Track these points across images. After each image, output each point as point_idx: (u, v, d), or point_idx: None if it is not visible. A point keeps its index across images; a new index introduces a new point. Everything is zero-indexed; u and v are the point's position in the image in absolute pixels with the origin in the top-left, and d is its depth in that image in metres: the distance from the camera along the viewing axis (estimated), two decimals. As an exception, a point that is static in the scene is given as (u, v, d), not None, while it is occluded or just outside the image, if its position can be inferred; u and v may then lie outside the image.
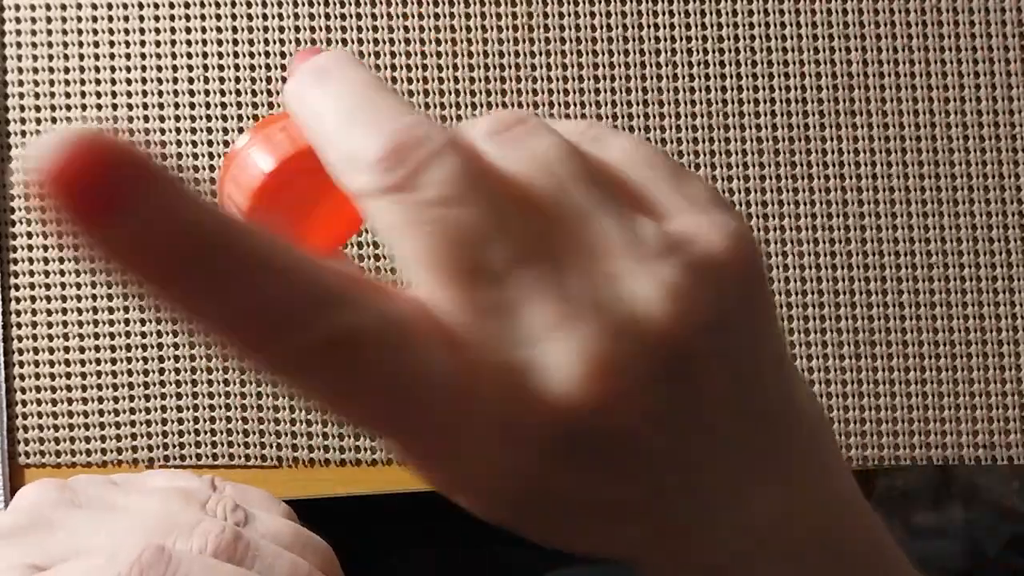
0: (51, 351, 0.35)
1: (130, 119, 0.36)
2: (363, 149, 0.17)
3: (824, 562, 0.22)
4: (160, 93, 0.36)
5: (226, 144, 0.36)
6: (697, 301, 0.18)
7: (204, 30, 0.36)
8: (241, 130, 0.36)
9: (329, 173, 0.17)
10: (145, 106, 0.36)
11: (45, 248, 0.35)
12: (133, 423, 0.35)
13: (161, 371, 0.35)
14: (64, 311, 0.35)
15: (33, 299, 0.35)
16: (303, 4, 0.36)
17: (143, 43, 0.36)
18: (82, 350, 0.35)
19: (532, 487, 0.18)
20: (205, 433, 0.35)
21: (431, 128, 0.17)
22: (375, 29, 0.36)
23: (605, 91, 0.36)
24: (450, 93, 0.36)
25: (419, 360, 0.16)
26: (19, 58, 0.36)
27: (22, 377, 0.35)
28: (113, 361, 0.35)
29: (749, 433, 0.21)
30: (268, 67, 0.36)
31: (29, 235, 0.35)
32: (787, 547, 0.21)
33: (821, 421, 0.23)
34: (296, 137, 0.19)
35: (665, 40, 0.36)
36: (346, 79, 0.18)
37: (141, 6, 0.36)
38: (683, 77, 0.36)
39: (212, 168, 0.35)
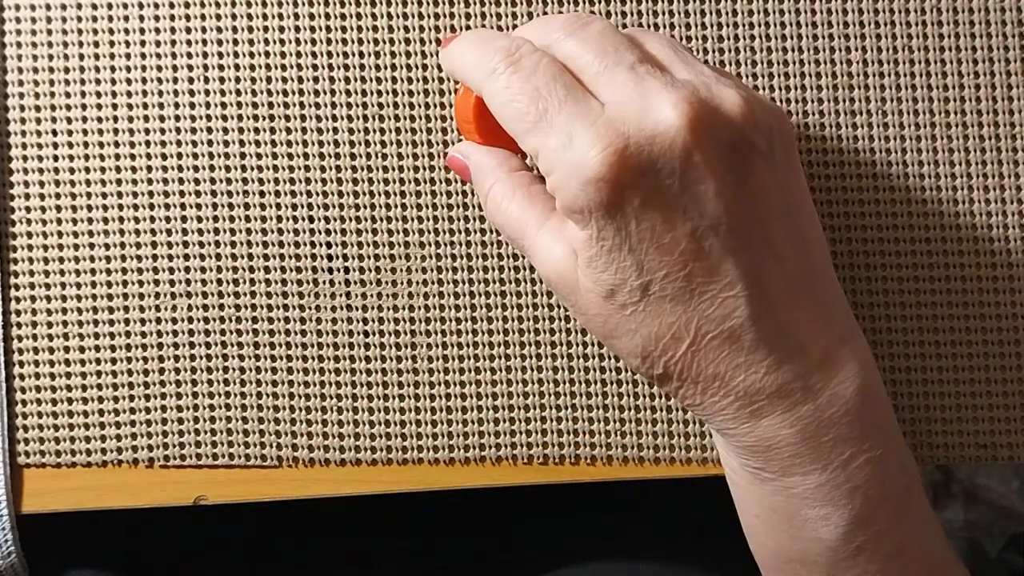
0: (51, 351, 0.35)
1: (130, 119, 0.36)
2: (487, 59, 0.28)
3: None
4: (160, 93, 0.36)
5: (226, 144, 0.36)
6: (757, 111, 0.27)
7: (204, 30, 0.36)
8: (242, 130, 0.36)
9: (471, 87, 0.29)
10: (145, 106, 0.36)
11: (45, 248, 0.35)
12: (133, 423, 0.35)
13: (161, 371, 0.35)
14: (64, 311, 0.35)
15: (33, 299, 0.35)
16: (303, 4, 0.36)
17: (143, 43, 0.36)
18: (82, 350, 0.35)
19: (616, 193, 0.26)
20: (205, 433, 0.35)
21: (519, 40, 0.28)
22: (375, 29, 0.36)
23: (605, 91, 0.36)
24: (450, 93, 0.36)
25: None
26: (19, 58, 0.36)
27: (22, 377, 0.35)
28: (113, 361, 0.35)
29: (795, 260, 0.28)
30: (268, 67, 0.36)
31: (29, 235, 0.35)
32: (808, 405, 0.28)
33: (857, 331, 0.30)
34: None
35: (665, 40, 0.36)
36: (469, 34, 0.30)
37: (141, 6, 0.36)
38: (683, 77, 0.36)
39: (212, 168, 0.35)
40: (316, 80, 0.36)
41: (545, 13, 0.36)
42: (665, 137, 0.26)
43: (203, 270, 0.35)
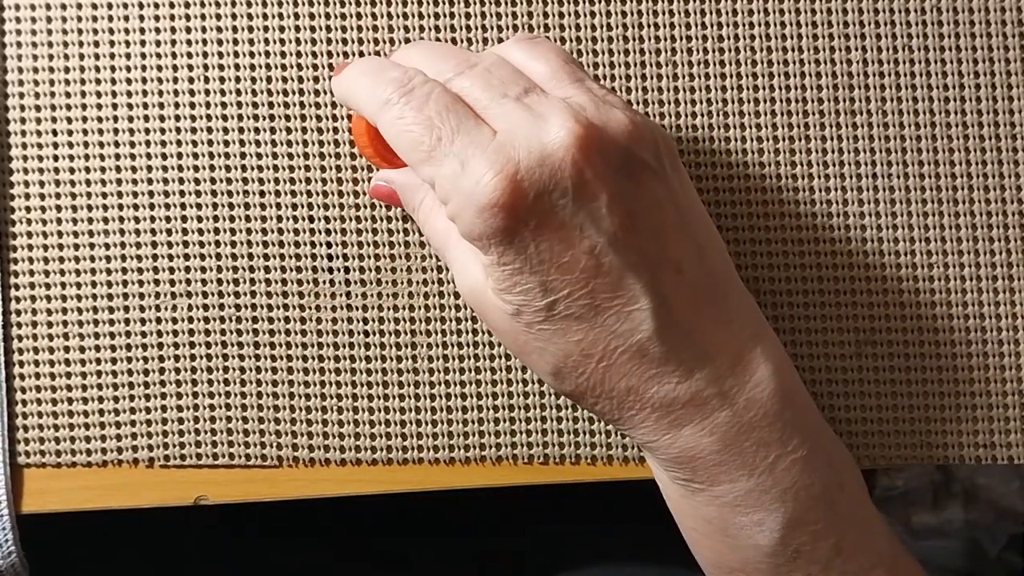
0: (51, 351, 0.35)
1: (130, 119, 0.36)
2: (380, 89, 0.29)
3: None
4: (160, 93, 0.36)
5: (226, 144, 0.36)
6: (643, 128, 0.28)
7: (204, 30, 0.36)
8: (242, 130, 0.36)
9: (365, 116, 0.30)
10: (145, 106, 0.36)
11: (45, 248, 0.35)
12: (133, 423, 0.35)
13: (161, 371, 0.35)
14: (64, 311, 0.35)
15: (33, 299, 0.35)
16: (303, 4, 0.36)
17: (143, 43, 0.36)
18: (82, 350, 0.35)
19: (515, 222, 0.26)
20: (205, 433, 0.35)
21: (411, 71, 0.29)
22: (375, 29, 0.36)
23: (605, 91, 0.36)
24: (450, 93, 0.36)
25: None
26: (19, 58, 0.36)
27: (22, 377, 0.35)
28: (113, 361, 0.35)
29: (694, 270, 0.28)
30: (268, 67, 0.36)
31: (29, 235, 0.35)
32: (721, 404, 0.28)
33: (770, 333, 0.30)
34: None
35: (665, 40, 0.36)
36: (361, 62, 0.31)
37: (141, 6, 0.36)
38: (683, 77, 0.36)
39: (212, 168, 0.35)
40: (316, 80, 0.36)
41: (545, 13, 0.36)
42: (555, 157, 0.26)
43: (203, 270, 0.35)
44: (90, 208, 0.35)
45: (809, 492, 0.28)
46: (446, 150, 0.27)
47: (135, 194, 0.35)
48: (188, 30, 0.36)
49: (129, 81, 0.36)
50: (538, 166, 0.26)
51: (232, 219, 0.35)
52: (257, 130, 0.36)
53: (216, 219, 0.36)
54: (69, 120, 0.36)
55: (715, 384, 0.28)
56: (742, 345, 0.29)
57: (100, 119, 0.36)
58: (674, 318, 0.28)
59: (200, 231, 0.35)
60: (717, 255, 0.30)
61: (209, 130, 0.36)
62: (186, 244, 0.35)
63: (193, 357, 0.35)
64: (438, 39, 0.36)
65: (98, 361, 0.35)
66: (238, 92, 0.36)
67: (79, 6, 0.36)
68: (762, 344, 0.29)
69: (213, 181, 0.36)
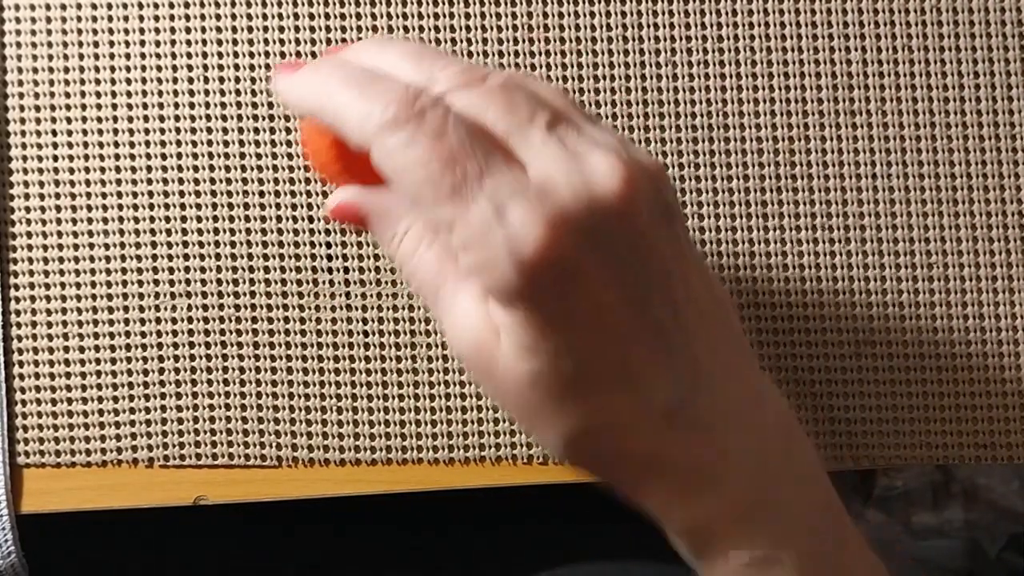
0: (51, 351, 0.35)
1: (130, 119, 0.36)
2: (376, 107, 0.23)
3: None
4: (160, 93, 0.36)
5: (226, 144, 0.36)
6: (640, 185, 0.23)
7: (204, 30, 0.36)
8: (241, 130, 0.36)
9: (347, 136, 0.24)
10: (145, 106, 0.36)
11: (45, 248, 0.35)
12: (133, 423, 0.35)
13: (161, 371, 0.35)
14: (64, 311, 0.35)
15: (33, 299, 0.35)
16: (303, 4, 0.36)
17: (143, 43, 0.36)
18: (82, 350, 0.35)
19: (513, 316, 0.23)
20: (205, 433, 0.35)
21: (413, 89, 0.23)
22: (375, 29, 0.36)
23: (605, 91, 0.36)
24: (450, 93, 0.36)
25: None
26: (19, 58, 0.36)
27: (22, 377, 0.35)
28: (113, 361, 0.35)
29: (721, 328, 0.26)
30: (268, 67, 0.36)
31: (29, 235, 0.35)
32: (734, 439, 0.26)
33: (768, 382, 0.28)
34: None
35: (665, 40, 0.36)
36: (333, 64, 0.24)
37: (141, 6, 0.36)
38: (683, 77, 0.36)
39: (212, 168, 0.35)
40: (316, 80, 0.36)
41: (545, 13, 0.36)
42: (603, 204, 0.23)
43: (203, 270, 0.35)
44: (90, 208, 0.35)
45: (820, 551, 0.27)
46: (474, 191, 0.22)
47: (135, 194, 0.35)
48: (187, 30, 0.36)
49: (129, 81, 0.36)
50: (587, 215, 0.22)
51: (232, 219, 0.36)
52: (257, 130, 0.36)
53: (216, 219, 0.36)
54: (69, 120, 0.36)
55: (734, 451, 0.25)
56: (758, 408, 0.27)
57: (100, 119, 0.36)
58: (702, 382, 0.25)
59: (200, 231, 0.35)
60: (731, 306, 0.27)
61: (209, 130, 0.36)
62: (186, 244, 0.35)
63: (193, 357, 0.35)
64: (438, 40, 0.36)
65: (98, 361, 0.35)
66: (238, 92, 0.36)
67: (79, 6, 0.36)
68: (766, 395, 0.27)
69: (213, 181, 0.36)
